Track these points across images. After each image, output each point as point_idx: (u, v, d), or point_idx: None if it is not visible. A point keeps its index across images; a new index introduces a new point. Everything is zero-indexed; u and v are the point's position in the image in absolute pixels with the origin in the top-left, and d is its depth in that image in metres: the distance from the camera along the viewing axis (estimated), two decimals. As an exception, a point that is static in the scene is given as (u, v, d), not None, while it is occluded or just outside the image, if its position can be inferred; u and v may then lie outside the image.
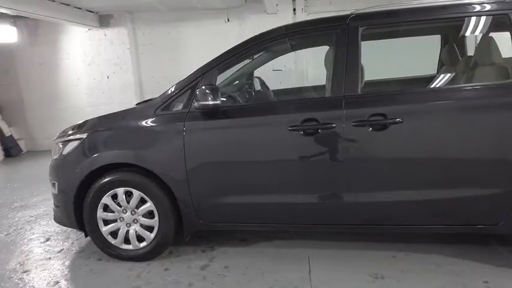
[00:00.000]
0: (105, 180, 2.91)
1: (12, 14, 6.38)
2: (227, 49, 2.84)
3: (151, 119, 2.86)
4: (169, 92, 2.90)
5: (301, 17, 6.94)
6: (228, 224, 2.92)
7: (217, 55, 2.84)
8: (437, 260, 2.78)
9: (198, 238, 3.30)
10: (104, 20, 7.52)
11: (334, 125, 2.54)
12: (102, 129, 2.98)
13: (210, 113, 2.74)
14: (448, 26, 3.31)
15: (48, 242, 3.51)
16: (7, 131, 7.96)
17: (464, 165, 2.48)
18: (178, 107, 2.85)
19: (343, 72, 2.60)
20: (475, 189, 2.49)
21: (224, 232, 3.39)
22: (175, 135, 2.77)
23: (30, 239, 3.63)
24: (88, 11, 7.14)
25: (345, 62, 2.61)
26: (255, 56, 3.38)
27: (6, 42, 7.45)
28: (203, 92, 2.62)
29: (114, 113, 3.11)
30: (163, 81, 7.51)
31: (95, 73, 7.79)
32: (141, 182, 2.86)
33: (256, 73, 3.89)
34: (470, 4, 2.60)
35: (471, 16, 2.64)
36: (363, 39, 2.64)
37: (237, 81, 3.69)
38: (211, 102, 2.60)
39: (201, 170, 2.77)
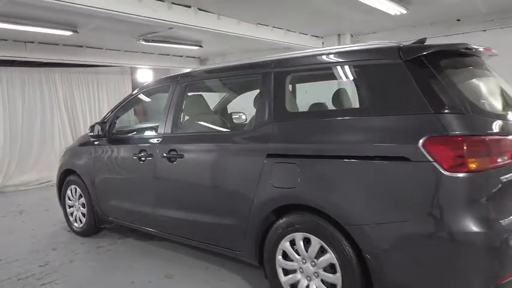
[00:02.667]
0: (67, 179, 4.57)
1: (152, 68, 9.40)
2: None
3: (86, 141, 4.37)
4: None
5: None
6: (118, 221, 4.09)
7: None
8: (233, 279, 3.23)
9: (133, 230, 4.53)
10: (202, 62, 9.58)
11: (152, 155, 3.45)
12: (70, 146, 4.67)
13: (105, 140, 4.04)
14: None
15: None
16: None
17: (212, 196, 3.00)
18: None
19: (166, 115, 3.47)
20: (222, 218, 2.96)
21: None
22: (91, 152, 4.19)
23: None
24: (190, 57, 9.32)
25: (168, 108, 3.48)
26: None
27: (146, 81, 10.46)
28: (90, 127, 3.98)
29: (81, 136, 4.76)
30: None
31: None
32: (80, 183, 4.38)
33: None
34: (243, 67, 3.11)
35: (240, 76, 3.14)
36: (190, 91, 3.47)
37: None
38: (89, 134, 3.93)
39: (99, 178, 4.09)
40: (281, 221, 2.59)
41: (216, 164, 3.01)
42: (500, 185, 2.06)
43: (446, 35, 6.43)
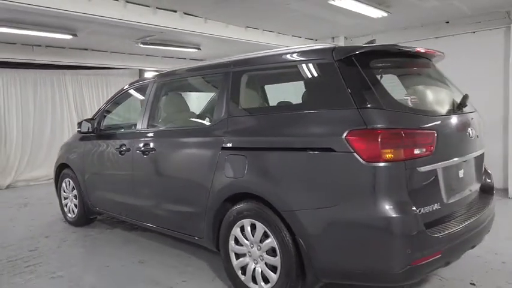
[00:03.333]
0: (62, 173, 4.91)
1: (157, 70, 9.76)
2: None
3: (76, 137, 4.69)
4: (85, 121, 4.67)
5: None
6: (104, 211, 4.38)
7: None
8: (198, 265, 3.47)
9: (122, 221, 4.83)
10: (206, 65, 9.91)
11: (129, 149, 3.73)
12: (66, 141, 5.02)
13: (93, 136, 4.34)
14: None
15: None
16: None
17: (178, 186, 3.25)
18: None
19: (143, 112, 3.75)
20: (186, 206, 3.20)
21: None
22: (81, 147, 4.51)
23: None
24: (193, 59, 9.64)
25: (145, 106, 3.75)
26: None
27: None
28: (78, 123, 4.30)
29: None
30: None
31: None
32: (73, 176, 4.70)
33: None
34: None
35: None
36: (164, 90, 3.75)
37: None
38: (77, 130, 4.25)
39: (87, 171, 4.39)
40: (233, 208, 2.81)
41: (181, 156, 3.27)
42: (417, 175, 2.23)
43: (437, 37, 6.51)
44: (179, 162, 3.27)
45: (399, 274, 2.16)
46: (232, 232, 2.82)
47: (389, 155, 2.14)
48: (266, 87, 3.69)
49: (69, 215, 4.90)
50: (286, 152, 2.48)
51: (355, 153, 2.18)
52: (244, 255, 2.78)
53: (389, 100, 2.29)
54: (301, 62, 2.62)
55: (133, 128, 3.96)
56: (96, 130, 4.32)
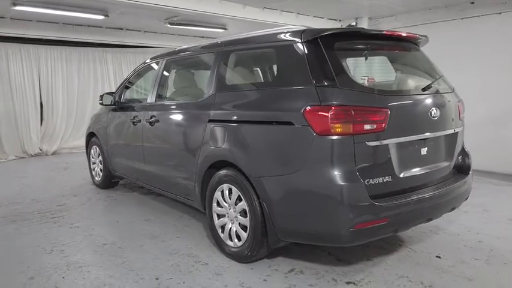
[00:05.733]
0: (91, 140, 5.50)
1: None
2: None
3: (103, 109, 5.22)
4: (110, 95, 5.18)
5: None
6: (122, 175, 4.91)
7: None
8: (195, 225, 3.88)
9: (141, 186, 5.37)
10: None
11: (140, 120, 4.17)
12: (95, 113, 5.58)
13: (114, 108, 4.84)
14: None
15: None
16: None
17: (175, 154, 3.64)
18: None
19: (152, 87, 4.15)
20: (182, 172, 3.59)
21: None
22: (105, 117, 5.04)
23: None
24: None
25: (154, 81, 4.15)
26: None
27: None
28: (100, 96, 4.80)
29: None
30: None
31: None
32: (99, 143, 5.27)
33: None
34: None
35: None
36: (170, 67, 4.12)
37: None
38: (99, 101, 4.75)
39: (109, 139, 4.92)
40: (216, 174, 3.15)
41: (177, 127, 3.65)
42: (367, 149, 2.43)
43: (462, 18, 6.33)
44: (176, 133, 3.65)
45: (344, 235, 2.40)
46: (215, 195, 3.17)
47: (339, 129, 2.36)
48: (250, 65, 3.94)
49: (96, 178, 5.50)
50: (256, 125, 2.76)
51: (309, 127, 2.42)
52: (223, 215, 3.14)
53: (345, 80, 2.49)
54: (277, 42, 2.85)
55: (144, 101, 4.39)
56: (117, 103, 4.81)
